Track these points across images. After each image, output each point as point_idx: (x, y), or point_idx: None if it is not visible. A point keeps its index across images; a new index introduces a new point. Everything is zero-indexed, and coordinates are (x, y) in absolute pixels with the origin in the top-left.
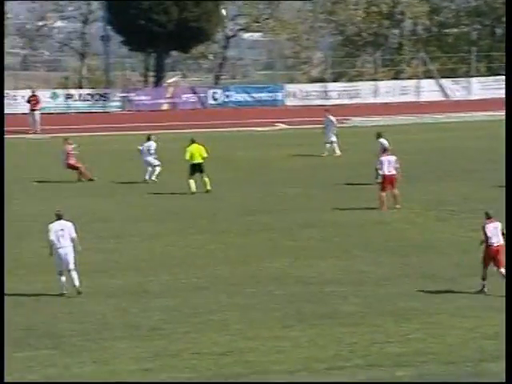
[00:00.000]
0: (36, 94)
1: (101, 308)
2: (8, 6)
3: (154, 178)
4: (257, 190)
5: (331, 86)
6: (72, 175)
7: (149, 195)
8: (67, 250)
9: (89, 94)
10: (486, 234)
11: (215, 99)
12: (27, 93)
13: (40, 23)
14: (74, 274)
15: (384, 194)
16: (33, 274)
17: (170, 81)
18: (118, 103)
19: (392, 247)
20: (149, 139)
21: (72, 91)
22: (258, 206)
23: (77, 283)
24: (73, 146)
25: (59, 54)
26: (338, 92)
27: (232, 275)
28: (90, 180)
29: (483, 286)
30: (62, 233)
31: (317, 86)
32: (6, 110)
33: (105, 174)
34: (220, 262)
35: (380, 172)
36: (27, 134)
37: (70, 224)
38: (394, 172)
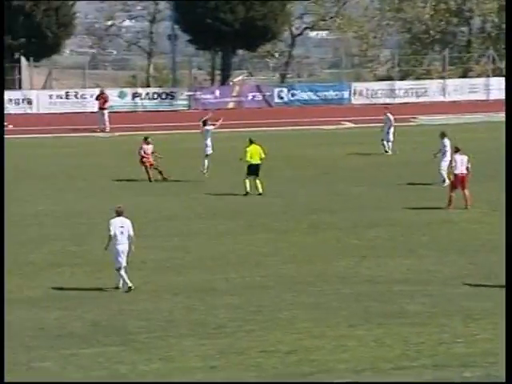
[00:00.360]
0: (105, 92)
1: (167, 305)
2: (77, 5)
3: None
4: (322, 189)
5: (398, 84)
6: (141, 174)
7: (215, 193)
8: (124, 248)
9: (156, 93)
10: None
11: (281, 98)
12: (95, 91)
13: (108, 23)
14: (124, 272)
15: (453, 193)
16: (100, 271)
17: (236, 79)
18: (184, 102)
19: (459, 247)
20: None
21: (139, 90)
22: (323, 205)
23: (127, 281)
24: (151, 146)
25: (127, 53)
26: (404, 90)
27: (298, 274)
28: (165, 179)
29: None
30: (122, 229)
31: (383, 85)
32: (75, 109)
33: (171, 173)
34: (286, 260)
35: (454, 171)
36: (96, 132)
37: (128, 222)
38: (465, 172)
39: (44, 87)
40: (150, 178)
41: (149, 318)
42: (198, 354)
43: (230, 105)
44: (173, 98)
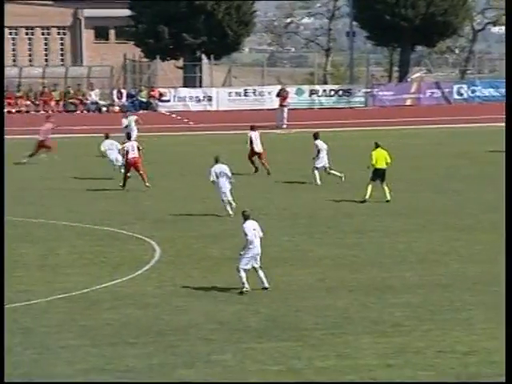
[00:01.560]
0: (286, 89)
1: (343, 302)
2: (257, 3)
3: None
4: (502, 187)
5: None
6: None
7: (391, 190)
8: (258, 251)
9: (333, 90)
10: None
11: (460, 94)
12: (273, 89)
13: (287, 20)
14: (261, 272)
15: None
16: (277, 266)
17: (414, 76)
18: (361, 99)
19: None
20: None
21: (316, 87)
22: (503, 203)
23: (264, 281)
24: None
25: (305, 50)
26: None
27: (477, 273)
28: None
29: None
30: (255, 233)
31: None
32: (253, 106)
33: (349, 170)
34: (465, 259)
35: None
36: (273, 129)
37: (257, 224)
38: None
39: (223, 84)
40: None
41: (325, 315)
42: (374, 351)
43: (408, 102)
44: (350, 94)
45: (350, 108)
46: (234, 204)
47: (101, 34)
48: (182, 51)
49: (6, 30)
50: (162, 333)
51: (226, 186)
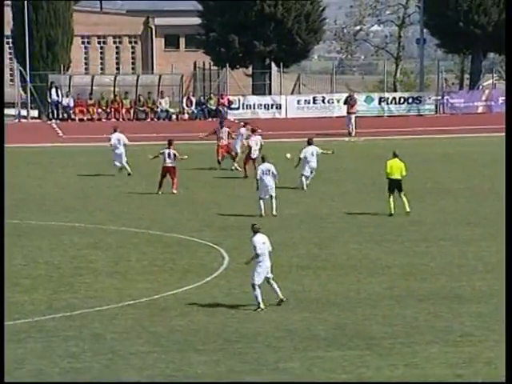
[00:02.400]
0: (353, 96)
1: (411, 311)
2: (327, 11)
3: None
4: None
5: None
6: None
7: (458, 199)
8: (268, 264)
9: (402, 97)
10: None
11: None
12: (342, 96)
13: (357, 27)
14: (274, 284)
15: None
16: (344, 275)
17: (486, 83)
18: (431, 106)
19: None
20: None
21: (386, 94)
22: None
23: (279, 293)
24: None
25: (374, 58)
26: None
27: None
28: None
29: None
30: (264, 246)
31: None
32: (322, 114)
33: (414, 178)
34: None
35: None
36: (343, 136)
37: (267, 238)
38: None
39: (292, 92)
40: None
41: (393, 324)
42: (443, 361)
43: (480, 109)
44: (420, 102)
45: (420, 116)
46: (274, 203)
47: (171, 42)
48: (252, 59)
49: (79, 39)
50: (229, 340)
51: (271, 183)
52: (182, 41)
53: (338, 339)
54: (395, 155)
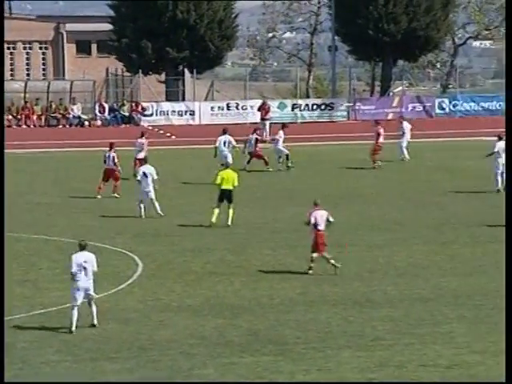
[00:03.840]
0: (267, 103)
1: (325, 316)
2: (239, 18)
3: None
4: (485, 201)
5: None
6: (299, 184)
7: (371, 204)
8: (86, 285)
9: (315, 104)
10: (312, 220)
11: (442, 108)
12: (256, 103)
13: (270, 34)
14: (93, 307)
15: None
16: (257, 281)
17: (396, 90)
18: (343, 113)
19: None
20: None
21: (299, 101)
22: (485, 217)
23: (94, 316)
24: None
25: (287, 65)
26: None
27: (458, 287)
28: None
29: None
30: (86, 265)
31: None
32: (236, 120)
33: (326, 184)
34: (445, 273)
35: None
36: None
37: (92, 256)
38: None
39: (206, 99)
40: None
41: (306, 329)
42: (355, 366)
43: (390, 116)
44: (332, 108)
45: (333, 122)
46: (157, 205)
47: (83, 48)
48: (165, 65)
49: None
50: (143, 348)
51: (149, 186)
52: (94, 47)
53: (251, 345)
54: (227, 166)
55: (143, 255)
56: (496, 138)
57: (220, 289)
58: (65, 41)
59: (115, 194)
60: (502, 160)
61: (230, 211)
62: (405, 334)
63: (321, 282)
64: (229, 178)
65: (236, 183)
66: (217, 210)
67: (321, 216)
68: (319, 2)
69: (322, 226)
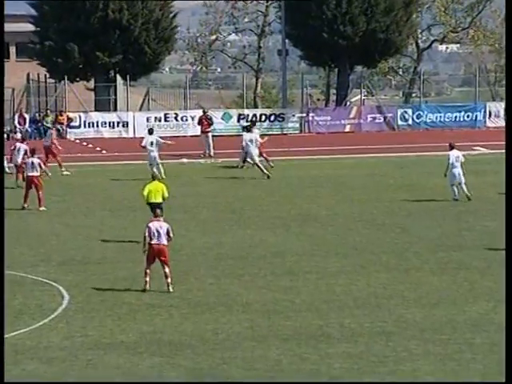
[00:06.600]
0: (208, 113)
1: (275, 353)
2: (178, 18)
3: None
4: (450, 223)
5: None
6: (252, 205)
7: (327, 227)
8: None
9: (264, 115)
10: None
11: (405, 120)
12: (197, 113)
13: (212, 37)
14: None
15: None
16: (200, 313)
17: (353, 99)
18: (296, 124)
19: None
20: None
21: (246, 111)
22: (453, 241)
23: None
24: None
25: (232, 71)
26: None
27: (424, 319)
28: None
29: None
30: None
31: None
32: (175, 133)
33: (277, 204)
34: (409, 304)
35: None
36: (199, 157)
37: None
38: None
39: (141, 108)
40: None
41: (254, 367)
42: None
43: (347, 128)
44: (283, 120)
45: (284, 134)
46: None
47: None
48: (94, 71)
49: None
50: None
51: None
52: (13, 50)
53: None
54: (154, 178)
55: (70, 286)
56: (448, 148)
57: (158, 323)
58: None
59: (41, 208)
60: (458, 169)
61: None
62: (365, 372)
63: (271, 314)
64: (157, 191)
65: (166, 195)
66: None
67: (160, 227)
68: (267, 1)
69: (158, 239)
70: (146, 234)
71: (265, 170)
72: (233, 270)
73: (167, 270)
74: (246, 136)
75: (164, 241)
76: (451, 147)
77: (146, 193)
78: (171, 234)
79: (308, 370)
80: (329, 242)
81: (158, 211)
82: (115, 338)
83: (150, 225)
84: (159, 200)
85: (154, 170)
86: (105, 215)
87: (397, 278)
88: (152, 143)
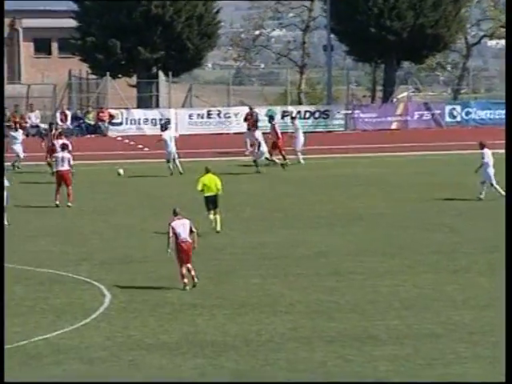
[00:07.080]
0: (254, 110)
1: (319, 355)
2: (222, 13)
3: None
4: (500, 223)
5: None
6: (289, 205)
7: (373, 226)
8: None
9: (308, 111)
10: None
11: (453, 117)
12: (241, 110)
13: (256, 32)
14: None
15: None
16: (243, 314)
17: (400, 96)
18: (340, 121)
19: None
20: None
21: (290, 108)
22: (502, 242)
23: None
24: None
25: (276, 67)
26: None
27: (472, 322)
28: None
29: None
30: None
31: None
32: (218, 130)
33: (321, 203)
34: (458, 305)
35: None
36: (242, 155)
37: None
38: None
39: (183, 105)
40: None
41: (298, 369)
42: None
43: (394, 125)
44: (327, 117)
45: (328, 132)
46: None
47: (42, 47)
48: (136, 67)
49: None
50: None
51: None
52: (55, 46)
53: None
54: (208, 170)
55: (111, 285)
56: (479, 147)
57: (200, 323)
58: (21, 39)
59: (69, 204)
60: (492, 169)
61: (218, 217)
62: (412, 375)
63: (315, 316)
64: (211, 184)
65: (220, 187)
66: (210, 216)
67: (183, 225)
68: None
69: (185, 236)
70: (171, 234)
71: (259, 168)
72: (276, 270)
73: (190, 265)
74: (259, 133)
75: (189, 238)
76: (482, 146)
77: (200, 187)
78: (194, 229)
79: (353, 372)
80: (375, 241)
81: (178, 210)
82: (157, 338)
83: (173, 224)
84: (214, 192)
85: (170, 166)
86: (146, 213)
87: (445, 279)
88: (171, 139)
